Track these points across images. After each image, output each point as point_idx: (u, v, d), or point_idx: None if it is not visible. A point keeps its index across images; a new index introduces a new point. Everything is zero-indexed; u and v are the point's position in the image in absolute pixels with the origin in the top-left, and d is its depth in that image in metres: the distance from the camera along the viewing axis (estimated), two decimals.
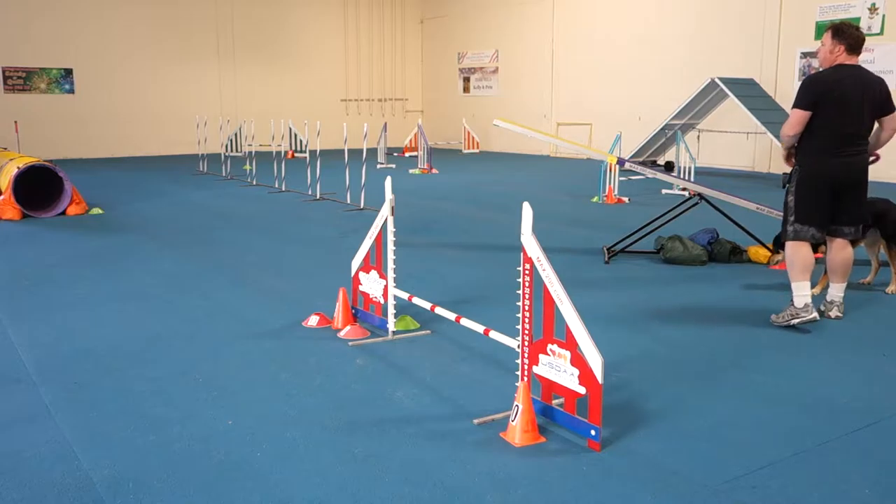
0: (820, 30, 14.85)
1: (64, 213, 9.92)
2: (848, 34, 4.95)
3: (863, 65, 5.07)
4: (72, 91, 19.95)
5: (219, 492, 2.93)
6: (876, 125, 5.07)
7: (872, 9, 14.09)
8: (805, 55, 15.06)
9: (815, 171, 4.99)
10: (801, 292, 4.95)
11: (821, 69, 5.08)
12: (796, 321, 4.91)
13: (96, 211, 10.22)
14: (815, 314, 4.91)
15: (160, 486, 2.96)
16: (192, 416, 3.62)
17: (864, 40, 5.03)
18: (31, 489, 2.94)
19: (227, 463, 3.15)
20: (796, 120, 4.97)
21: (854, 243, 5.37)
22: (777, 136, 13.13)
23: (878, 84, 5.02)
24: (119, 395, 3.89)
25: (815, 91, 4.92)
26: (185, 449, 3.27)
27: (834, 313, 5.19)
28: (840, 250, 5.16)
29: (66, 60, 19.77)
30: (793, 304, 4.97)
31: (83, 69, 19.94)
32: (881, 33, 14.01)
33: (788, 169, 5.30)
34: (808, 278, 4.98)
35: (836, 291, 5.23)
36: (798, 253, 5.04)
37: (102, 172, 16.03)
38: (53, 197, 10.05)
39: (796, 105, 4.97)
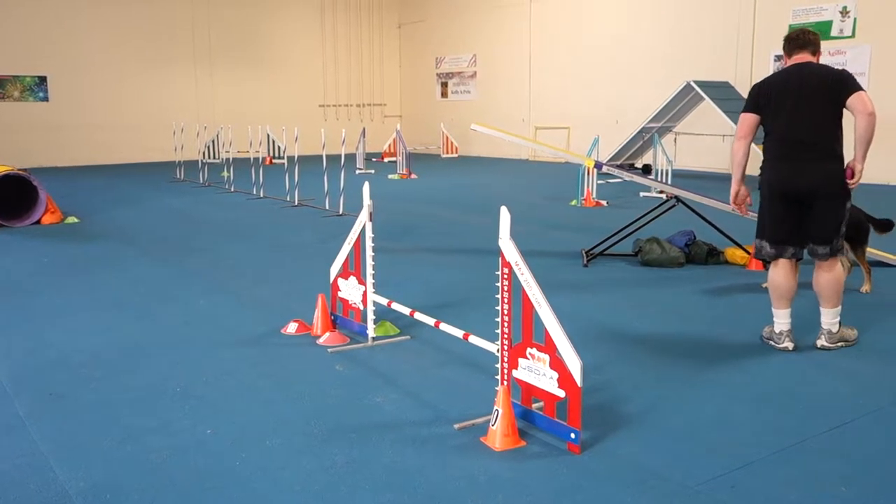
0: None
1: (39, 222, 9.80)
2: (784, 39, 4.72)
3: (835, 67, 4.65)
4: (46, 99, 19.74)
5: (198, 502, 2.90)
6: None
7: (844, 12, 14.29)
8: (779, 58, 15.22)
9: (765, 179, 4.65)
10: (777, 319, 4.69)
11: None
12: (771, 344, 4.70)
13: (72, 220, 10.12)
14: (789, 344, 4.59)
15: (138, 497, 2.93)
16: (171, 426, 3.58)
17: (799, 37, 4.62)
18: (5, 503, 2.90)
19: (206, 473, 3.13)
20: (740, 123, 4.72)
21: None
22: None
23: (825, 74, 4.48)
24: (96, 405, 3.85)
25: (752, 94, 4.69)
26: (164, 459, 3.24)
27: (820, 343, 4.60)
28: (820, 272, 4.61)
29: (40, 68, 19.57)
30: (773, 328, 4.73)
31: (57, 77, 19.74)
32: (853, 36, 14.21)
33: (731, 206, 4.95)
34: (784, 306, 4.63)
35: (824, 317, 4.63)
36: (772, 276, 4.71)
37: (78, 181, 15.87)
38: (28, 206, 9.93)
39: (742, 110, 4.75)
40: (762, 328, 4.89)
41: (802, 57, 4.60)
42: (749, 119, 4.67)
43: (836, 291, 4.59)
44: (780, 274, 4.67)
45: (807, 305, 5.14)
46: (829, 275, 4.58)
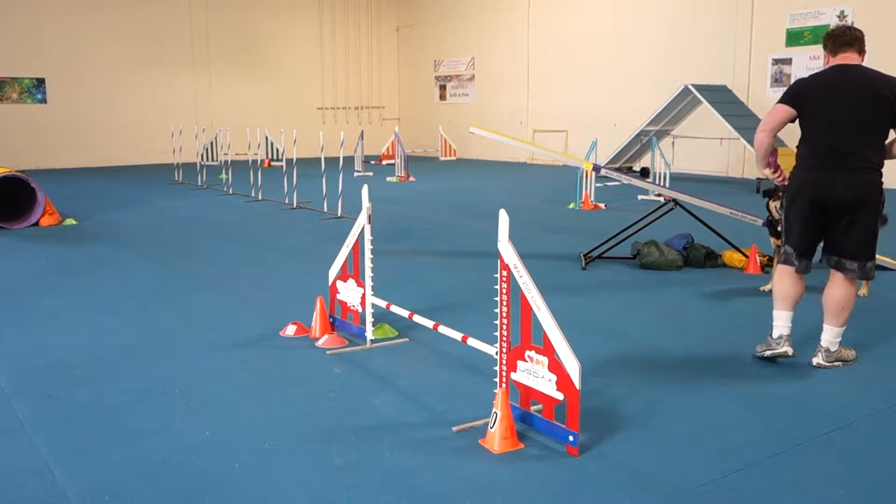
0: (791, 37, 15.07)
1: (37, 224, 9.80)
2: (827, 34, 4.35)
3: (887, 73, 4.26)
4: (44, 101, 19.74)
5: None
6: (892, 135, 4.25)
7: (841, 16, 14.33)
8: (776, 62, 15.27)
9: (796, 186, 4.33)
10: (777, 322, 4.44)
11: None
12: (768, 353, 4.43)
13: (70, 222, 10.11)
14: (788, 349, 4.36)
15: (137, 499, 2.93)
16: (169, 428, 3.58)
17: (845, 34, 4.26)
18: None
19: (204, 475, 3.13)
20: (772, 114, 4.34)
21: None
22: (750, 142, 13.31)
23: (883, 82, 4.12)
24: (94, 407, 3.85)
25: (796, 88, 4.31)
26: (162, 461, 3.24)
27: (816, 360, 4.37)
28: (835, 286, 4.33)
29: (39, 70, 19.57)
30: (771, 335, 4.49)
31: (56, 78, 19.74)
32: None
33: (764, 174, 4.70)
34: (787, 308, 4.42)
35: (826, 334, 4.35)
36: (780, 280, 4.49)
37: (76, 183, 15.86)
38: (26, 208, 9.92)
39: (779, 100, 4.37)
40: (757, 341, 4.62)
41: (848, 56, 4.25)
42: (784, 112, 4.29)
43: (848, 310, 4.31)
44: (788, 278, 4.45)
45: (810, 311, 5.14)
46: (847, 291, 4.29)
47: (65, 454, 3.31)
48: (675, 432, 3.52)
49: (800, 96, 4.27)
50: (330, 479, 3.08)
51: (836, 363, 4.37)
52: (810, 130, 4.27)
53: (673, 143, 16.15)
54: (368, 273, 4.70)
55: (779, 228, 5.71)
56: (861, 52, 4.27)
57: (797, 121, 4.34)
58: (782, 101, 4.32)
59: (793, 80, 4.59)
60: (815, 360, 4.37)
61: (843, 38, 4.26)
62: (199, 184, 14.93)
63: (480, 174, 17.92)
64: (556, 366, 3.30)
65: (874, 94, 4.11)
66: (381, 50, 25.36)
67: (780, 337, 4.42)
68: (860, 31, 4.31)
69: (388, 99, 25.77)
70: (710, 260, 7.19)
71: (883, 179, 4.24)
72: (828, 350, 4.36)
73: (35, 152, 19.34)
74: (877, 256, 6.69)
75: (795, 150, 4.45)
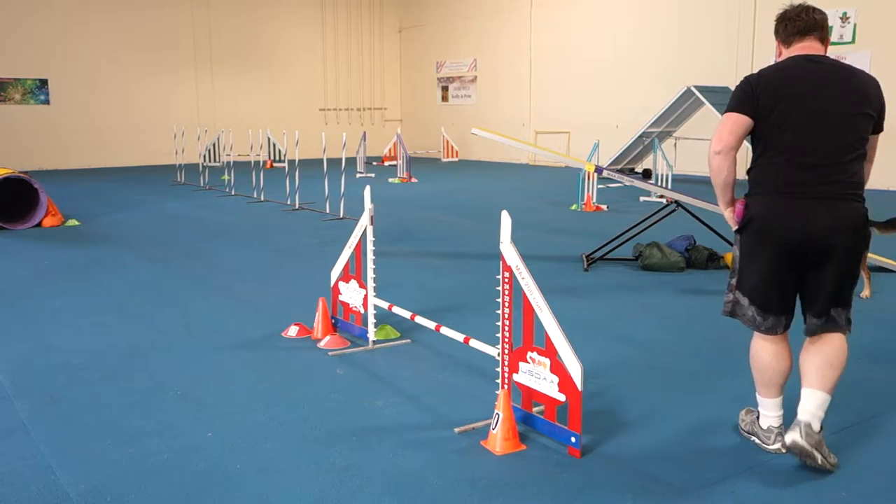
0: None
1: (39, 224, 9.81)
2: (778, 18, 3.29)
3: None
4: (47, 102, 19.76)
5: None
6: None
7: (844, 18, 14.32)
8: None
9: (757, 219, 3.20)
10: (766, 411, 3.35)
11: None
12: (755, 441, 3.39)
13: (72, 222, 10.12)
14: (780, 446, 3.25)
15: (138, 500, 2.93)
16: (171, 429, 3.58)
17: (801, 17, 3.21)
18: None
19: (206, 476, 3.13)
20: (725, 129, 3.17)
21: None
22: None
23: (861, 78, 3.16)
24: (96, 408, 3.85)
25: (747, 89, 3.17)
26: (164, 462, 3.25)
27: (790, 439, 3.11)
28: (832, 341, 3.23)
29: (42, 71, 19.60)
30: (757, 420, 3.42)
31: (59, 79, 19.77)
32: (853, 42, 14.24)
33: (727, 219, 3.42)
34: (775, 394, 3.32)
35: (811, 404, 3.16)
36: (760, 354, 3.32)
37: (78, 184, 15.88)
38: (29, 209, 9.94)
39: (727, 108, 3.22)
40: (739, 417, 3.62)
41: (809, 45, 3.21)
42: (741, 123, 3.16)
43: (840, 367, 3.23)
44: (771, 351, 3.30)
45: None
46: (841, 342, 3.23)
47: (67, 455, 3.32)
48: (677, 434, 3.52)
49: (756, 99, 3.14)
50: (332, 481, 3.08)
51: (815, 450, 3.07)
52: (776, 144, 3.15)
53: (675, 144, 16.14)
54: (370, 274, 4.70)
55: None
56: (824, 40, 3.25)
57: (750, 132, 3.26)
58: (733, 108, 3.18)
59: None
60: (789, 439, 3.12)
61: (800, 22, 3.21)
62: (202, 185, 14.94)
63: (482, 175, 17.92)
64: (558, 367, 3.30)
65: (862, 96, 3.13)
66: (384, 51, 25.38)
67: (770, 430, 3.33)
68: (821, 14, 3.26)
69: (391, 100, 25.79)
70: (713, 261, 7.19)
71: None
72: (809, 427, 3.09)
73: (38, 153, 19.37)
74: (877, 258, 6.73)
75: (746, 172, 3.38)
